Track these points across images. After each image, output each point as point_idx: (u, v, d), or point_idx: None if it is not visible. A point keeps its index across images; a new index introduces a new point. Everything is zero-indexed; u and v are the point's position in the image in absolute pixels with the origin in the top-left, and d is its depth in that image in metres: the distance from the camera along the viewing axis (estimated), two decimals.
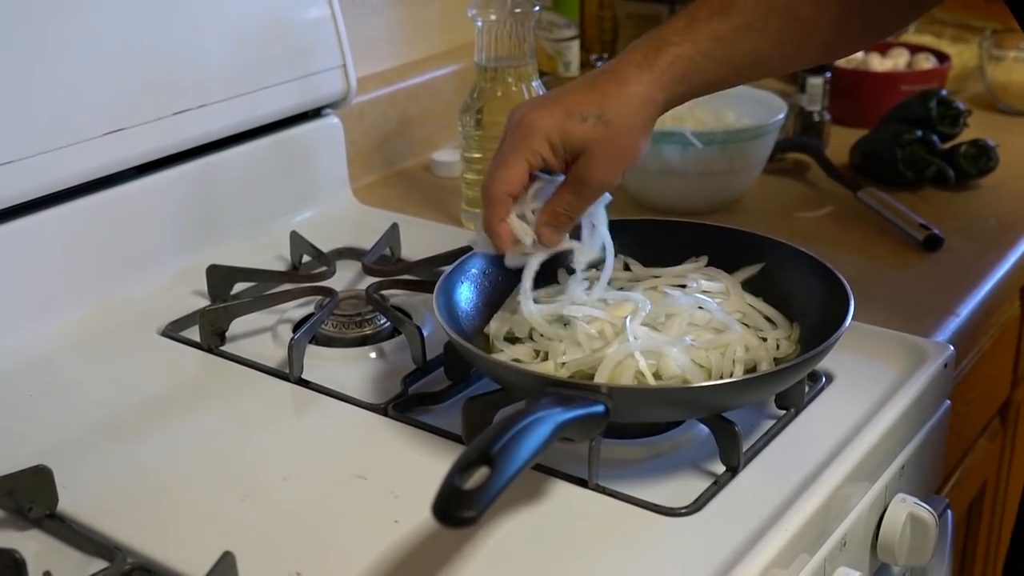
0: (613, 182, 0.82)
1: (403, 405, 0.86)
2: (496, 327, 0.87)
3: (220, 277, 1.02)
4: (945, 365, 0.90)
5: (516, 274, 0.89)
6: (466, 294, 0.89)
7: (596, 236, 0.86)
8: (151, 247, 1.05)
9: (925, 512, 0.83)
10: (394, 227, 1.11)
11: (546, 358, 0.83)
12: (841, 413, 0.84)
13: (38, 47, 0.94)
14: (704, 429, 0.80)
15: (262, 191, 1.15)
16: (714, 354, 0.81)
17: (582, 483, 0.76)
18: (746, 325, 0.86)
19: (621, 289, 0.89)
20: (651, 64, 0.81)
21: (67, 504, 0.74)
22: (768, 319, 0.88)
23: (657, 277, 0.91)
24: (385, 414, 0.85)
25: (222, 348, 0.96)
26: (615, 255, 0.88)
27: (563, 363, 0.82)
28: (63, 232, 0.98)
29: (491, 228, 0.82)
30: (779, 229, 0.95)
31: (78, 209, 0.99)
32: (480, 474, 0.62)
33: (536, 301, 0.87)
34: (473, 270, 0.90)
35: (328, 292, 0.98)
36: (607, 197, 0.85)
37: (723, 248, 0.92)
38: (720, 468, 0.78)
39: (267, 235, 1.13)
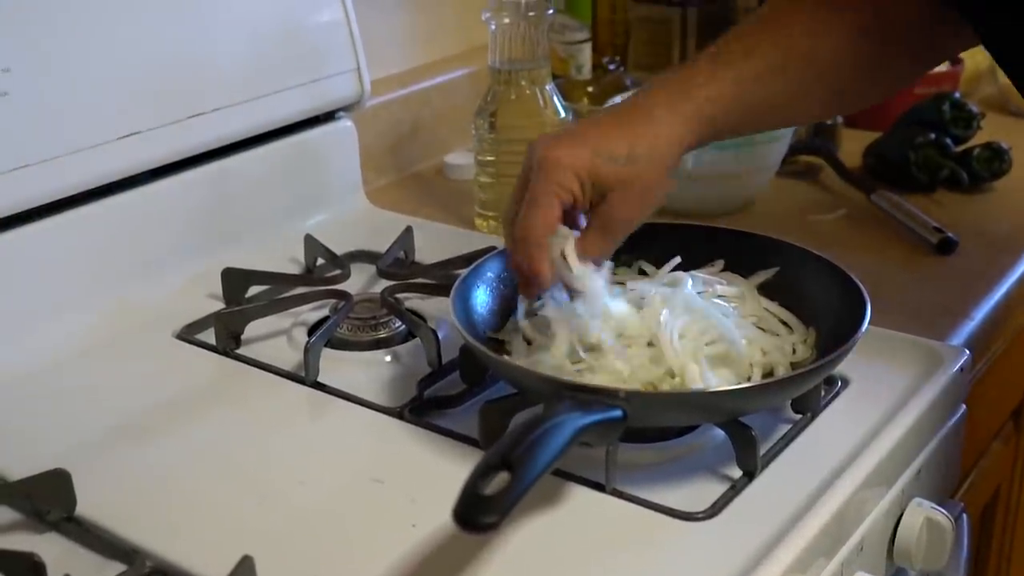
0: (638, 220, 0.83)
1: (419, 409, 0.86)
2: (513, 330, 0.87)
3: (235, 280, 1.02)
4: (961, 369, 0.89)
5: None
6: (482, 298, 0.89)
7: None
8: (166, 250, 1.05)
9: (941, 516, 0.83)
10: (408, 230, 1.11)
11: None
12: (857, 417, 0.84)
13: (53, 52, 0.94)
14: (720, 433, 0.79)
15: (276, 194, 1.15)
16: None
17: (599, 487, 0.76)
18: (762, 329, 0.86)
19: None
20: (679, 106, 0.81)
21: (85, 507, 0.74)
22: (784, 323, 0.88)
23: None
24: (401, 418, 0.85)
25: (237, 351, 0.96)
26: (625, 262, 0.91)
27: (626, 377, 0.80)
28: (78, 235, 0.98)
29: (536, 271, 0.80)
30: (792, 232, 0.94)
31: (92, 213, 0.99)
32: (500, 479, 0.62)
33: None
34: (489, 274, 0.90)
35: (343, 295, 0.98)
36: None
37: (738, 252, 0.92)
38: (737, 472, 0.78)
39: (281, 238, 1.13)
